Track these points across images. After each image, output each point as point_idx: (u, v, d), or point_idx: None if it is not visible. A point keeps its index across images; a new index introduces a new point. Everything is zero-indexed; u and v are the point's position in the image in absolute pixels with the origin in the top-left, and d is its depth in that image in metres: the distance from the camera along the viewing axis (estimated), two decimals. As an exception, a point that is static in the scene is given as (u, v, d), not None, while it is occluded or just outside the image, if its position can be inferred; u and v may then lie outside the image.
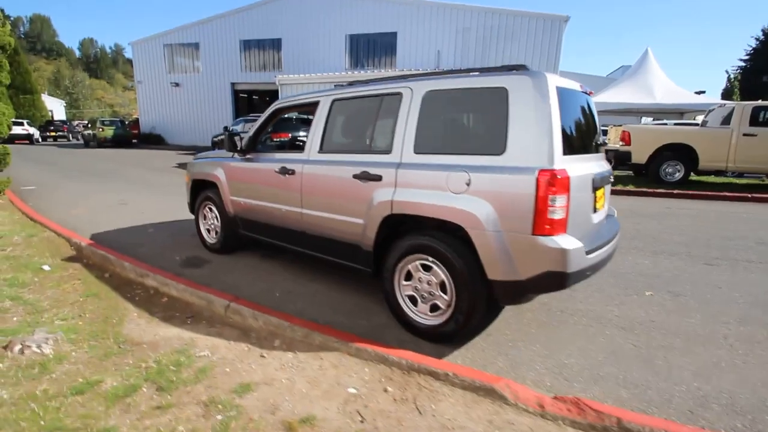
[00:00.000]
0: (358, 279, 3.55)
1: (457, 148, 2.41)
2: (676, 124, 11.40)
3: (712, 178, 10.15)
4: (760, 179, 10.28)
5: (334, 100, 3.11)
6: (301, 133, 11.79)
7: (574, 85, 2.59)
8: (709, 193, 7.94)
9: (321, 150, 3.10)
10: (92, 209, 6.42)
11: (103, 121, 22.20)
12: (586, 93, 2.80)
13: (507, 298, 2.30)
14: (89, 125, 33.66)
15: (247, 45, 21.44)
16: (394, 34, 18.33)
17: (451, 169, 2.35)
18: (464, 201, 2.28)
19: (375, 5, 18.36)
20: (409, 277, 2.65)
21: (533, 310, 3.03)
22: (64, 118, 41.89)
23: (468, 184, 2.27)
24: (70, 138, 28.08)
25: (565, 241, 2.10)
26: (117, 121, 22.10)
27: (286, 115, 12.38)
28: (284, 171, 3.30)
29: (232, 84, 22.11)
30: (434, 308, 2.56)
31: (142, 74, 23.82)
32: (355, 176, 2.78)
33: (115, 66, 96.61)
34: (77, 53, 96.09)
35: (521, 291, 2.23)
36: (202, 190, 4.40)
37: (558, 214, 2.09)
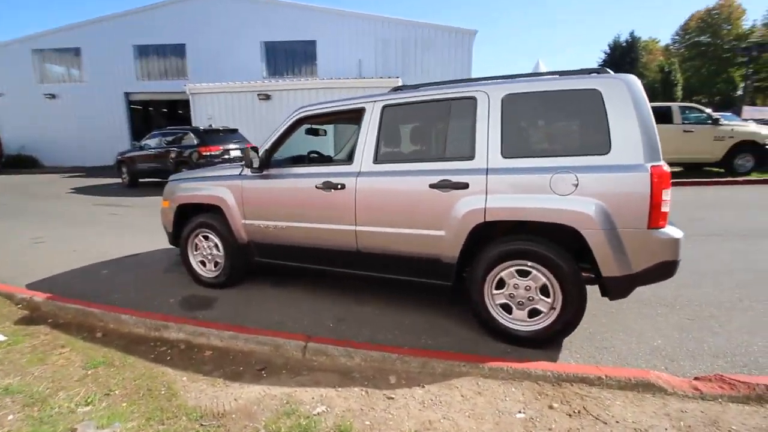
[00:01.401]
0: (410, 296, 3.35)
1: (554, 150, 2.41)
2: None
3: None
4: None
5: (385, 107, 2.88)
6: (231, 146, 10.95)
7: None
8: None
9: (377, 161, 2.85)
10: (4, 252, 5.00)
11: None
12: None
13: (618, 293, 2.36)
14: None
15: (143, 51, 18.97)
16: (313, 43, 17.94)
17: (553, 172, 2.34)
18: (574, 202, 2.28)
19: (292, 13, 17.77)
20: (500, 285, 2.57)
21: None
22: None
23: (576, 185, 2.29)
24: None
25: (674, 231, 2.24)
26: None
27: (218, 127, 11.31)
28: (328, 186, 2.95)
29: (126, 94, 19.35)
30: (533, 313, 2.52)
31: (4, 85, 19.53)
32: (433, 186, 2.61)
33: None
34: None
35: (633, 284, 2.31)
36: (191, 217, 3.73)
37: (667, 207, 2.22)
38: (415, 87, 2.98)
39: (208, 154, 10.39)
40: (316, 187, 3.01)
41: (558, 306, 2.42)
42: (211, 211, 3.69)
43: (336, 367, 2.30)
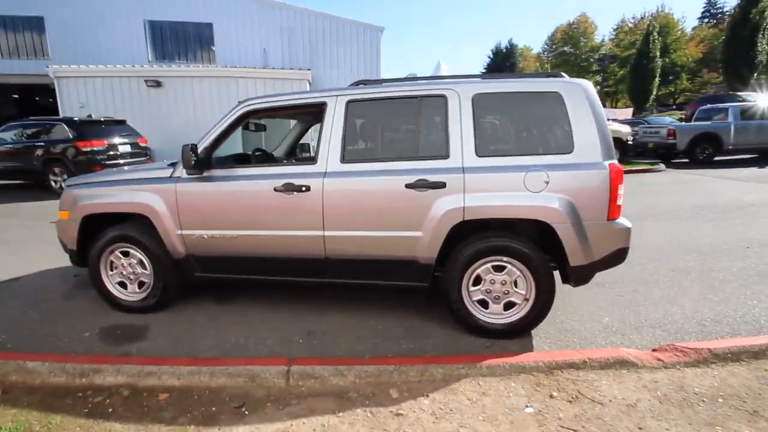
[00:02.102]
0: (375, 299, 3.23)
1: (525, 149, 2.50)
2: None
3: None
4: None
5: (349, 102, 2.69)
6: (116, 140, 9.40)
7: None
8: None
9: (344, 160, 2.65)
10: None
11: None
12: None
13: (581, 280, 2.56)
14: None
15: (-20, 20, 15.10)
16: (209, 26, 16.20)
17: (526, 170, 2.43)
18: (547, 198, 2.41)
19: (181, -10, 15.83)
20: (476, 281, 2.62)
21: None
22: None
23: (547, 183, 2.42)
24: None
25: (626, 221, 2.51)
26: None
27: (100, 118, 9.59)
28: (290, 188, 2.66)
29: (-43, 75, 15.26)
30: (508, 306, 2.62)
31: None
32: (409, 185, 2.53)
33: None
34: None
35: (594, 271, 2.54)
36: (103, 229, 3.06)
37: (621, 200, 2.48)
38: (378, 82, 2.85)
39: (89, 150, 8.76)
40: (275, 189, 2.69)
41: (531, 297, 2.55)
42: (130, 221, 3.09)
43: (329, 390, 2.09)
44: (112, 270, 3.12)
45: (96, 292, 3.16)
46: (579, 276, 2.52)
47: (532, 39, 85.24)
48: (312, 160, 2.72)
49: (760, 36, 20.03)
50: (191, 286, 3.30)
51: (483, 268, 2.58)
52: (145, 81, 12.84)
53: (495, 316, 2.63)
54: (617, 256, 2.52)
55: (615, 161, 2.46)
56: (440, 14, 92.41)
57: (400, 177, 2.55)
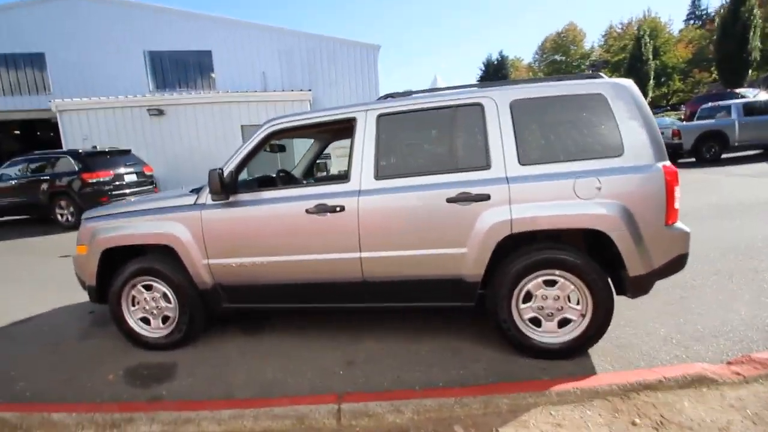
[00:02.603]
0: (408, 321, 3.05)
1: (571, 155, 2.37)
2: None
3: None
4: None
5: (380, 115, 2.58)
6: (121, 170, 9.31)
7: None
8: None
9: (378, 176, 2.52)
10: None
11: None
12: None
13: (641, 291, 2.39)
14: None
15: (-17, 60, 15.28)
16: (208, 53, 16.41)
17: (575, 176, 2.30)
18: (600, 205, 2.27)
19: (180, 20, 16.01)
20: (527, 298, 2.46)
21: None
22: None
23: (599, 189, 2.28)
24: None
25: (684, 225, 2.36)
26: None
27: (104, 148, 9.54)
28: (323, 209, 2.53)
29: (-42, 114, 15.34)
30: (563, 323, 2.45)
31: None
32: (450, 200, 2.39)
33: None
34: None
35: (653, 280, 2.38)
36: (124, 262, 2.91)
37: (678, 203, 2.34)
38: (406, 94, 2.75)
39: (95, 181, 8.67)
40: (307, 211, 2.55)
41: (589, 312, 2.38)
42: (151, 252, 2.94)
43: (385, 429, 1.90)
44: (134, 305, 2.95)
45: (117, 329, 2.99)
46: (639, 286, 2.36)
47: (523, 50, 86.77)
48: (344, 178, 2.60)
49: (752, 33, 20.26)
50: (215, 318, 3.14)
51: (533, 283, 2.42)
52: (148, 110, 12.89)
53: (549, 334, 2.46)
54: (677, 263, 2.36)
55: (668, 162, 2.33)
56: (439, 19, 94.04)
57: (439, 191, 2.42)
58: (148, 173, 10.04)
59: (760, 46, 21.33)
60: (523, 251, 2.42)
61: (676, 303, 3.10)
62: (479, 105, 2.48)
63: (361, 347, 2.78)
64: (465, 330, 2.88)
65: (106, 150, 9.53)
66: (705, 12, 48.71)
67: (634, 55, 27.93)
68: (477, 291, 2.47)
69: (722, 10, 26.47)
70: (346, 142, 3.16)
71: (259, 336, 3.07)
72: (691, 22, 48.89)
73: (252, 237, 2.66)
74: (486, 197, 2.36)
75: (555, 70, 47.32)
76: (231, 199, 2.71)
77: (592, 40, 47.62)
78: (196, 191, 2.92)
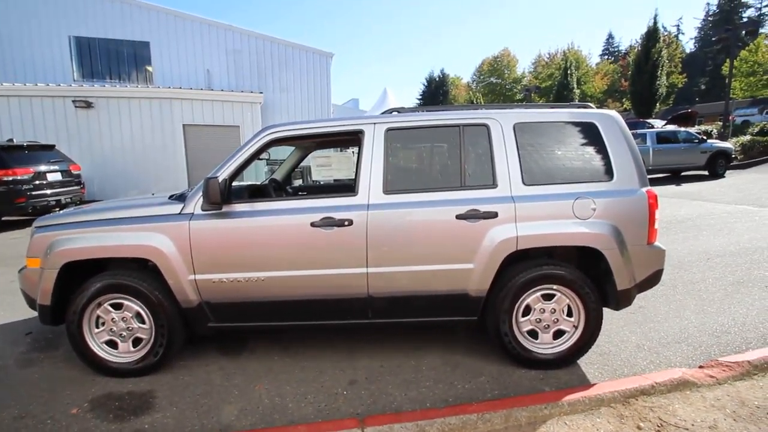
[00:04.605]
0: (403, 336, 3.03)
1: (568, 177, 2.54)
2: None
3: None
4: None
5: (389, 129, 2.57)
6: (43, 168, 8.21)
7: None
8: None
9: (387, 191, 2.50)
10: None
11: None
12: None
13: (626, 303, 2.61)
14: None
15: None
16: (146, 44, 15.09)
17: (574, 197, 2.47)
18: (596, 225, 2.45)
19: (113, 6, 14.58)
20: (526, 311, 2.57)
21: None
22: None
23: (594, 209, 2.47)
24: None
25: (661, 244, 2.64)
26: None
27: (22, 143, 8.35)
28: (329, 223, 2.43)
29: None
30: (557, 335, 2.60)
31: None
32: (460, 216, 2.44)
33: None
34: None
35: (635, 293, 2.61)
36: (86, 278, 2.55)
37: (657, 224, 2.61)
38: (412, 110, 2.77)
39: (11, 179, 7.54)
40: (312, 224, 2.44)
41: (581, 324, 2.55)
42: (139, 266, 2.62)
43: (412, 449, 1.86)
44: (98, 327, 2.59)
45: (74, 353, 2.60)
46: (624, 299, 2.58)
47: (462, 69, 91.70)
48: (350, 191, 2.53)
49: (659, 71, 23.44)
50: (193, 339, 2.86)
51: (533, 297, 2.54)
52: (73, 101, 11.53)
53: (545, 346, 2.59)
54: (654, 278, 2.62)
55: (650, 186, 2.59)
56: (386, 45, 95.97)
57: (449, 207, 2.46)
58: (75, 172, 8.95)
59: (666, 82, 24.72)
60: (522, 266, 2.53)
61: (637, 312, 3.43)
62: (485, 125, 2.57)
63: (358, 365, 2.70)
64: (457, 343, 2.93)
65: (24, 144, 8.33)
66: (617, 49, 55.44)
67: (561, 83, 30.81)
68: (481, 305, 2.54)
69: (635, 50, 30.25)
70: (327, 151, 3.11)
71: (241, 357, 2.85)
72: (605, 57, 55.30)
73: (248, 250, 2.48)
74: (494, 215, 2.44)
75: (491, 91, 50.52)
76: (224, 209, 2.51)
77: (524, 66, 51.72)
78: (178, 198, 2.66)
